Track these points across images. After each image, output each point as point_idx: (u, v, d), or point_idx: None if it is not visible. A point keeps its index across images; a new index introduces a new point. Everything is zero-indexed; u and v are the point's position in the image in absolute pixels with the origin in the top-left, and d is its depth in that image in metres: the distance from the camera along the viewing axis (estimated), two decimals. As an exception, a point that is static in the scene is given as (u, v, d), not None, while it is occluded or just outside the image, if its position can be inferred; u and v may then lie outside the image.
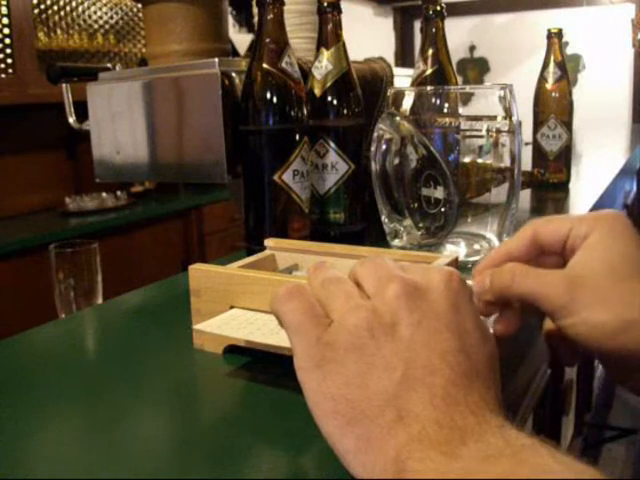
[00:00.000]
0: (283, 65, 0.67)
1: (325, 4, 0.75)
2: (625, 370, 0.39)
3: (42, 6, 2.40)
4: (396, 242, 0.72)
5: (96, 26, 2.63)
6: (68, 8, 2.51)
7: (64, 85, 0.91)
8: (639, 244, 0.38)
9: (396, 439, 0.28)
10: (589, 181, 1.33)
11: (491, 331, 0.35)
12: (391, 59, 4.31)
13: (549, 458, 0.26)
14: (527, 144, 1.25)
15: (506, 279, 0.38)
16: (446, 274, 0.33)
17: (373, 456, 0.29)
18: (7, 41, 2.26)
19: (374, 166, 0.70)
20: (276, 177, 0.67)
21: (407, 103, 0.68)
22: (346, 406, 0.30)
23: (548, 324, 0.40)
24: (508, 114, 0.66)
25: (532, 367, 0.77)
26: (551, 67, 1.18)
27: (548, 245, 0.41)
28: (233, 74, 0.73)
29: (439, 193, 0.65)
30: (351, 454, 0.29)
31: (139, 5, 0.87)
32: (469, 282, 0.37)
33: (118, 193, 2.60)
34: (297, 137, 0.68)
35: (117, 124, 0.82)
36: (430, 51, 0.87)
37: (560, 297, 0.37)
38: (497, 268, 0.38)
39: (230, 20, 3.02)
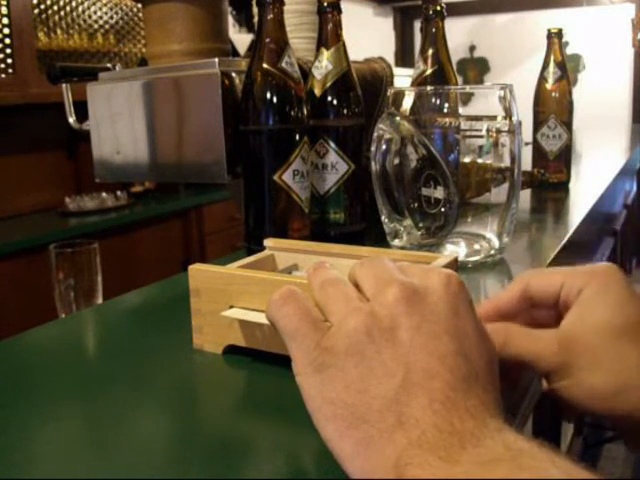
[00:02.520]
0: (283, 65, 0.67)
1: (325, 4, 0.75)
2: (623, 429, 0.39)
3: (42, 6, 2.40)
4: (396, 242, 0.72)
5: (96, 26, 2.63)
6: (68, 8, 2.51)
7: (64, 85, 0.91)
8: (633, 300, 0.37)
9: (396, 444, 0.28)
10: (589, 181, 1.33)
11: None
12: (391, 59, 4.31)
13: (548, 462, 0.26)
14: (527, 144, 1.25)
15: (498, 340, 0.37)
16: (445, 277, 0.33)
17: (373, 461, 0.28)
18: (7, 41, 2.26)
19: (374, 166, 0.70)
20: (276, 177, 0.67)
21: (407, 103, 0.68)
22: (346, 411, 0.30)
23: (545, 383, 0.39)
24: (508, 114, 0.66)
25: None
26: (551, 67, 1.18)
27: (539, 298, 0.40)
28: (233, 74, 0.73)
29: (439, 193, 0.65)
30: (350, 458, 0.29)
31: (139, 5, 0.87)
32: None
33: (118, 193, 2.60)
34: (297, 137, 0.68)
35: (117, 124, 0.82)
36: (430, 51, 0.87)
37: (553, 360, 0.37)
38: (489, 325, 0.36)
39: (230, 20, 3.02)
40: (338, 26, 0.75)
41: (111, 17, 2.69)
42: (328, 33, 0.75)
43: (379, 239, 0.75)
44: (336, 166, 0.75)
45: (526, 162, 0.99)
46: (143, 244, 2.54)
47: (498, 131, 0.66)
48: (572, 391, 0.36)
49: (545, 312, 0.41)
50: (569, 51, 4.20)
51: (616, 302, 0.37)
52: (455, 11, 3.63)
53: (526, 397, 0.50)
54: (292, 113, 0.67)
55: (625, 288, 0.38)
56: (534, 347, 0.37)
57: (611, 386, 0.35)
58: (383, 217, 0.72)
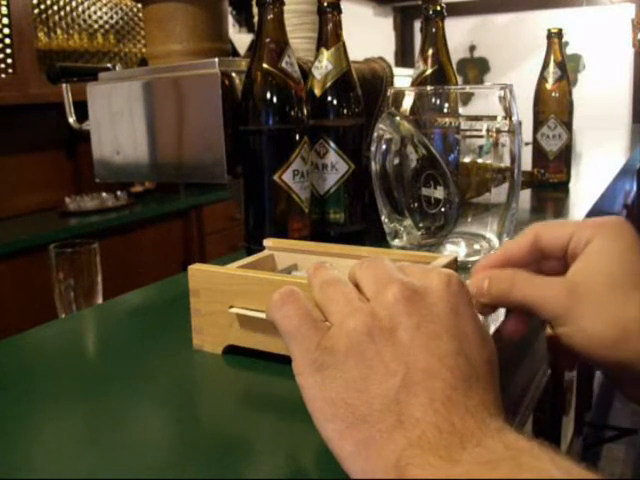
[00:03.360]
0: (283, 65, 0.67)
1: (325, 4, 0.75)
2: (622, 378, 0.39)
3: (42, 6, 2.40)
4: (396, 242, 0.72)
5: (96, 26, 2.63)
6: (68, 8, 2.51)
7: (64, 85, 0.91)
8: (639, 252, 0.38)
9: (396, 444, 0.28)
10: (589, 181, 1.33)
11: (491, 333, 0.35)
12: (391, 59, 4.31)
13: (548, 462, 0.26)
14: (527, 144, 1.25)
15: (505, 285, 0.38)
16: (445, 277, 0.33)
17: (373, 461, 0.28)
18: (7, 41, 2.26)
19: (374, 166, 0.70)
20: (276, 177, 0.67)
21: (407, 103, 0.68)
22: (346, 411, 0.30)
23: (549, 329, 0.40)
24: (508, 114, 0.66)
25: (532, 367, 0.77)
26: (551, 67, 1.18)
27: (549, 249, 0.41)
28: (233, 74, 0.73)
29: (439, 193, 0.65)
30: (351, 459, 0.29)
31: (139, 5, 0.87)
32: (467, 282, 0.37)
33: (118, 193, 2.60)
34: (297, 137, 0.68)
35: (117, 124, 0.82)
36: (430, 51, 0.87)
37: (559, 306, 0.37)
38: (496, 271, 0.37)
39: (230, 20, 3.02)
40: (338, 26, 0.75)
41: (111, 17, 2.69)
42: (328, 33, 0.75)
43: (379, 239, 0.75)
44: (336, 166, 0.75)
45: (526, 162, 0.99)
46: (143, 244, 2.54)
47: (498, 131, 0.66)
48: (574, 337, 0.37)
49: (554, 263, 0.41)
50: (569, 51, 4.20)
51: (622, 253, 0.37)
52: (455, 11, 3.63)
53: (526, 397, 0.50)
54: (292, 113, 0.67)
55: (632, 240, 0.38)
56: (539, 293, 0.38)
57: (614, 334, 0.36)
58: (383, 217, 0.72)
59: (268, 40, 0.67)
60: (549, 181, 1.19)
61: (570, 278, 0.38)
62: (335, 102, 0.75)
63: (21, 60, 2.29)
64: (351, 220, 0.78)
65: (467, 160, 0.66)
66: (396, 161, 0.68)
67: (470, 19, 4.54)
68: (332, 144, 0.75)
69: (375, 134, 0.70)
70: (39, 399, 0.44)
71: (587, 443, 1.54)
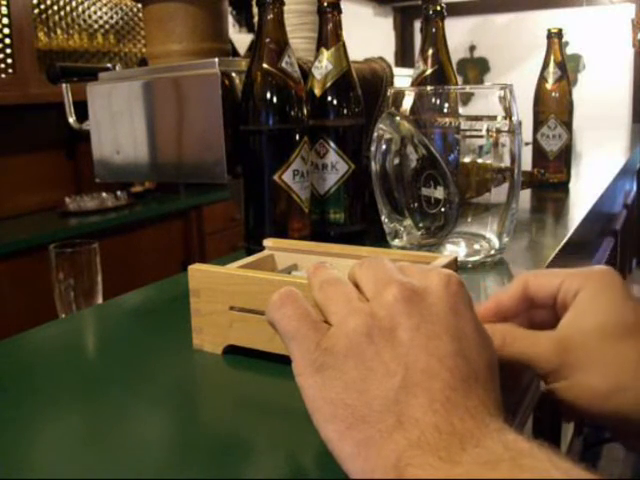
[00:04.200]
0: (283, 65, 0.67)
1: (325, 4, 0.75)
2: (621, 430, 0.39)
3: (42, 6, 2.40)
4: (396, 242, 0.72)
5: (96, 26, 2.63)
6: (68, 8, 2.51)
7: (64, 85, 0.91)
8: (630, 302, 0.38)
9: (396, 445, 0.28)
10: (589, 181, 1.33)
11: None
12: (391, 59, 4.31)
13: (548, 463, 0.26)
14: (527, 144, 1.25)
15: (497, 341, 0.37)
16: (445, 277, 0.33)
17: (373, 462, 0.28)
18: (7, 41, 2.26)
19: (374, 166, 0.70)
20: (276, 177, 0.67)
21: (407, 103, 0.68)
22: (345, 411, 0.30)
23: (543, 384, 0.40)
24: (508, 114, 0.66)
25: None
26: (551, 67, 1.18)
27: (539, 299, 0.41)
28: (233, 74, 0.73)
29: (439, 193, 0.65)
30: (350, 459, 0.29)
31: (139, 5, 0.87)
32: None
33: (118, 193, 2.60)
34: (297, 137, 0.68)
35: (117, 124, 0.82)
36: (430, 51, 0.87)
37: (551, 361, 0.37)
38: (487, 326, 0.37)
39: (230, 20, 3.02)
40: (338, 26, 0.75)
41: (111, 17, 2.69)
42: (328, 33, 0.75)
43: (379, 239, 0.75)
44: (336, 166, 0.75)
45: (526, 162, 0.99)
46: (143, 244, 2.54)
47: (498, 131, 0.66)
48: (570, 392, 0.37)
49: (544, 313, 0.41)
50: (569, 51, 4.20)
51: (611, 304, 0.38)
52: (455, 11, 3.63)
53: (526, 397, 0.50)
54: (292, 113, 0.67)
55: (621, 290, 0.38)
56: (533, 348, 0.38)
57: (608, 386, 0.36)
58: (383, 217, 0.72)
59: (268, 40, 0.67)
60: (549, 181, 1.19)
61: (560, 332, 0.38)
62: (335, 102, 0.75)
63: (21, 60, 2.29)
64: (351, 220, 0.78)
65: (467, 160, 0.66)
66: (396, 161, 0.68)
67: (470, 19, 4.54)
68: (332, 144, 0.75)
69: (375, 134, 0.70)
70: (39, 399, 0.44)
71: (587, 443, 1.54)
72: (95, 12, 2.62)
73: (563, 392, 0.37)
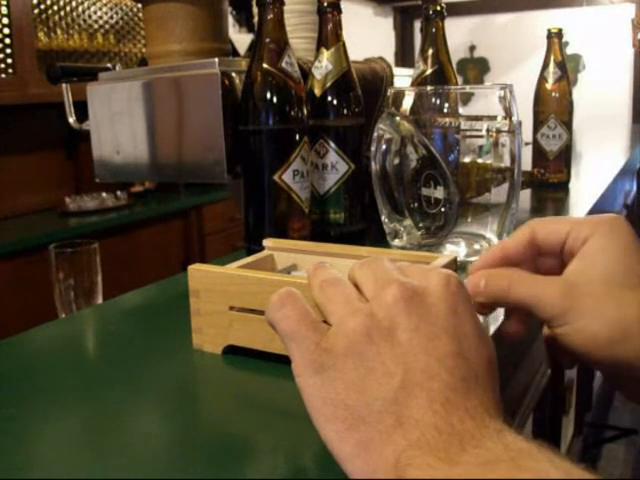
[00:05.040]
0: (283, 65, 0.67)
1: (325, 4, 0.75)
2: (621, 378, 0.39)
3: (42, 6, 2.40)
4: (396, 242, 0.72)
5: (96, 26, 2.63)
6: (68, 8, 2.51)
7: (64, 85, 0.91)
8: (637, 250, 0.38)
9: (395, 445, 0.28)
10: (589, 181, 1.33)
11: (491, 333, 0.35)
12: (391, 59, 4.31)
13: (547, 463, 0.26)
14: (527, 144, 1.25)
15: (502, 285, 0.38)
16: (444, 277, 0.33)
17: (372, 462, 0.28)
18: (7, 41, 2.26)
19: (374, 166, 0.70)
20: (276, 177, 0.67)
21: (407, 103, 0.68)
22: (345, 411, 0.30)
23: (546, 329, 0.40)
24: (508, 114, 0.66)
25: (532, 367, 0.77)
26: (551, 67, 1.18)
27: (546, 247, 0.40)
28: (233, 74, 0.73)
29: (439, 193, 0.65)
30: (350, 459, 0.29)
31: (139, 5, 0.87)
32: (465, 280, 0.37)
33: (118, 193, 2.60)
34: (297, 137, 0.68)
35: (117, 124, 0.82)
36: (430, 51, 0.87)
37: (556, 306, 0.37)
38: (493, 270, 0.37)
39: (230, 20, 3.02)
40: (338, 26, 0.75)
41: (111, 17, 2.69)
42: (328, 33, 0.75)
43: (379, 239, 0.75)
44: (336, 166, 0.75)
45: (526, 162, 0.99)
46: (143, 244, 2.54)
47: (498, 131, 0.66)
48: (573, 337, 0.37)
49: (551, 260, 0.41)
50: (569, 51, 4.20)
51: (619, 252, 0.37)
52: (455, 11, 3.63)
53: (526, 397, 0.50)
54: (292, 113, 0.67)
55: (629, 239, 0.38)
56: (538, 292, 0.38)
57: (611, 333, 0.36)
58: (383, 217, 0.72)
59: (268, 40, 0.67)
60: (549, 181, 1.19)
61: (567, 278, 0.38)
62: (335, 102, 0.75)
63: (21, 60, 2.29)
64: (351, 220, 0.78)
65: (467, 160, 0.66)
66: (396, 161, 0.68)
67: (470, 19, 4.54)
68: (332, 144, 0.75)
69: (375, 134, 0.70)
70: (39, 399, 0.44)
71: (587, 443, 1.54)
72: (95, 12, 2.62)
73: (566, 337, 0.37)
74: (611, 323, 0.36)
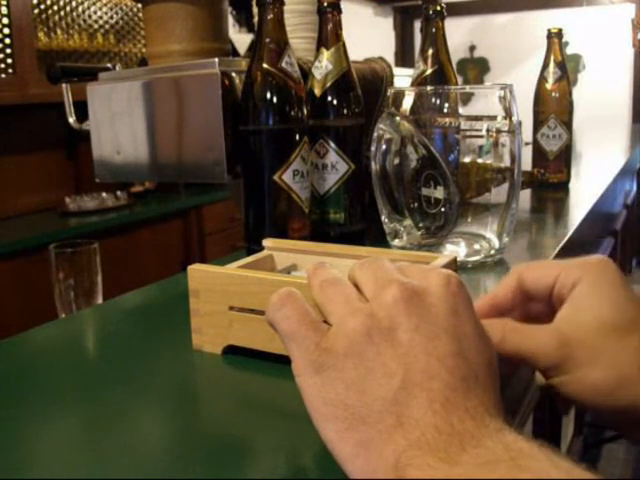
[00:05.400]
0: (283, 65, 0.67)
1: (325, 4, 0.75)
2: (623, 423, 0.39)
3: (42, 6, 2.40)
4: (396, 242, 0.72)
5: (96, 26, 2.63)
6: (68, 8, 2.51)
7: (64, 85, 0.91)
8: (628, 294, 0.37)
9: (395, 445, 0.28)
10: (589, 181, 1.33)
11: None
12: (391, 59, 4.31)
13: (547, 463, 0.26)
14: (527, 144, 1.25)
15: (495, 337, 0.37)
16: (445, 277, 0.33)
17: (372, 462, 0.28)
18: (7, 41, 2.26)
19: (374, 166, 0.70)
20: (276, 177, 0.67)
21: (407, 103, 0.68)
22: (345, 412, 0.30)
23: (541, 378, 0.39)
24: (508, 114, 0.66)
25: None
26: (551, 67, 1.18)
27: (534, 292, 0.40)
28: (233, 74, 0.73)
29: (439, 193, 0.65)
30: (350, 459, 0.29)
31: (139, 5, 0.87)
32: None
33: (118, 193, 2.60)
34: (297, 137, 0.68)
35: (117, 124, 0.82)
36: (430, 51, 0.87)
37: (551, 356, 0.37)
38: (485, 321, 0.37)
39: (230, 20, 3.02)
40: (338, 26, 0.75)
41: (111, 17, 2.69)
42: (328, 33, 0.75)
43: (379, 239, 0.75)
44: (336, 166, 0.75)
45: (526, 162, 0.99)
46: (143, 244, 2.54)
47: (498, 131, 0.66)
48: (571, 387, 0.37)
49: (540, 305, 0.41)
50: (569, 51, 4.20)
51: (609, 297, 0.37)
52: (455, 11, 3.63)
53: (526, 397, 0.50)
54: (292, 113, 0.67)
55: (618, 281, 0.38)
56: (532, 343, 0.37)
57: (610, 381, 0.36)
58: (383, 217, 0.72)
59: (268, 40, 0.67)
60: (549, 181, 1.19)
61: (560, 326, 0.38)
62: (335, 102, 0.75)
63: (21, 60, 2.29)
64: (351, 220, 0.78)
65: (467, 160, 0.66)
66: (396, 161, 0.68)
67: (470, 19, 4.54)
68: (332, 144, 0.75)
69: (375, 134, 0.70)
70: (39, 399, 0.44)
71: (587, 443, 1.54)
72: (95, 12, 2.62)
73: (564, 387, 0.37)
74: (609, 370, 0.35)
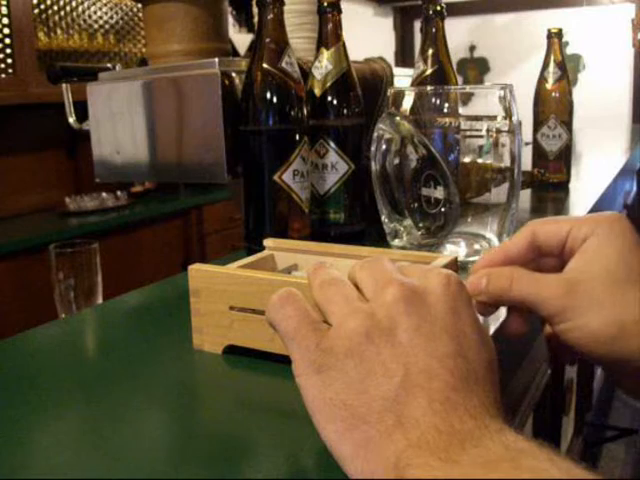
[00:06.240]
0: (283, 65, 0.67)
1: (325, 4, 0.75)
2: (621, 373, 0.39)
3: (42, 6, 2.40)
4: (396, 242, 0.72)
5: (96, 26, 2.63)
6: (68, 8, 2.51)
7: (64, 85, 0.91)
8: (636, 248, 0.38)
9: (395, 445, 0.28)
10: (589, 181, 1.33)
11: (491, 333, 0.35)
12: (391, 59, 4.31)
13: (547, 462, 0.26)
14: (527, 144, 1.25)
15: (504, 283, 0.38)
16: (445, 277, 0.33)
17: (372, 462, 0.28)
18: (7, 41, 2.26)
19: (374, 166, 0.70)
20: (276, 177, 0.67)
21: (407, 103, 0.68)
22: (345, 412, 0.30)
23: (547, 326, 0.40)
24: (508, 114, 0.66)
25: (532, 367, 0.77)
26: (551, 67, 1.18)
27: (547, 246, 0.41)
28: (233, 74, 0.73)
29: (439, 193, 0.65)
30: (350, 459, 0.29)
31: (139, 5, 0.87)
32: (466, 281, 0.37)
33: (118, 193, 2.60)
34: (297, 137, 0.68)
35: (117, 124, 0.82)
36: (430, 51, 0.87)
37: (557, 303, 0.37)
38: (494, 269, 0.37)
39: (230, 20, 3.02)
40: (338, 26, 0.75)
41: (111, 17, 2.69)
42: (328, 33, 0.75)
43: (379, 239, 0.75)
44: (336, 166, 0.75)
45: (526, 162, 0.99)
46: (143, 244, 2.54)
47: (498, 131, 0.66)
48: (573, 334, 0.37)
49: (552, 260, 0.41)
50: (569, 51, 4.20)
51: (618, 250, 0.37)
52: (455, 11, 3.63)
53: (526, 397, 0.50)
54: (292, 113, 0.67)
55: (629, 237, 0.38)
56: (538, 290, 0.38)
57: (611, 331, 0.36)
58: (383, 217, 0.72)
59: (268, 40, 0.67)
60: (549, 181, 1.19)
61: (568, 275, 0.38)
62: (335, 102, 0.75)
63: (21, 60, 2.29)
64: (351, 220, 0.78)
65: (467, 160, 0.66)
66: (396, 161, 0.68)
67: (470, 19, 4.54)
68: (332, 144, 0.75)
69: (375, 134, 0.70)
70: (39, 399, 0.44)
71: (587, 443, 1.54)
72: (95, 12, 2.62)
73: (567, 334, 0.37)
74: (612, 320, 0.36)
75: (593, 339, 0.36)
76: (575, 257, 0.39)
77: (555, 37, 1.17)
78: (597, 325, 0.36)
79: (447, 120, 0.65)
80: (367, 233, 0.80)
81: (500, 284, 0.39)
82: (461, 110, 0.66)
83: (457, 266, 0.50)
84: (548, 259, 0.41)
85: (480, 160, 0.66)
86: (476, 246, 0.69)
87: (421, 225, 0.68)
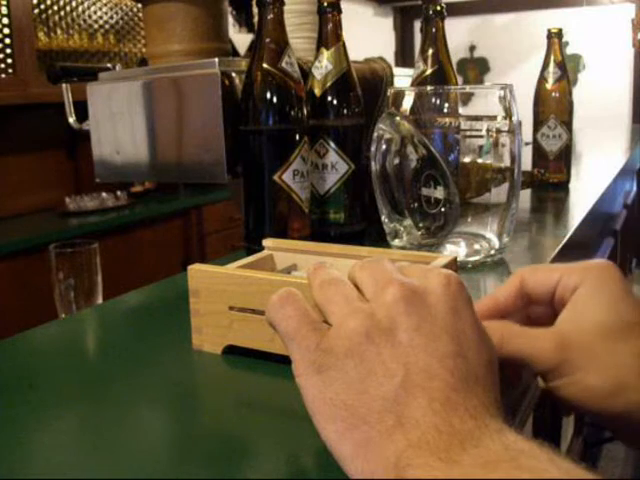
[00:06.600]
0: (283, 65, 0.67)
1: (325, 4, 0.75)
2: (619, 427, 0.39)
3: (42, 6, 2.40)
4: (396, 242, 0.72)
5: (96, 26, 2.63)
6: (68, 8, 2.51)
7: (64, 85, 0.91)
8: (629, 299, 0.37)
9: (396, 445, 0.28)
10: (589, 181, 1.33)
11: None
12: (391, 59, 4.31)
13: (548, 462, 0.26)
14: (527, 144, 1.25)
15: (494, 339, 0.37)
16: (445, 277, 0.33)
17: (372, 462, 0.28)
18: (7, 41, 2.26)
19: (374, 166, 0.70)
20: (276, 177, 0.67)
21: (407, 103, 0.68)
22: (346, 412, 0.30)
23: (541, 381, 0.39)
24: (508, 114, 0.66)
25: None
26: (551, 67, 1.18)
27: (536, 295, 0.40)
28: (233, 74, 0.73)
29: (439, 193, 0.65)
30: (350, 460, 0.29)
31: (139, 5, 0.87)
32: None
33: (118, 193, 2.60)
34: (297, 137, 0.68)
35: (117, 124, 0.82)
36: (430, 51, 0.87)
37: (550, 359, 0.37)
38: (485, 324, 0.37)
39: (230, 20, 3.02)
40: (338, 26, 0.75)
41: (111, 17, 2.69)
42: (328, 33, 0.75)
43: (379, 239, 0.75)
44: (336, 166, 0.75)
45: (526, 162, 0.99)
46: (143, 244, 2.54)
47: (498, 131, 0.66)
48: (569, 390, 0.37)
49: (542, 309, 0.41)
50: (569, 51, 4.20)
51: (610, 301, 0.37)
52: (455, 11, 3.63)
53: (526, 397, 0.50)
54: (292, 113, 0.67)
55: (619, 286, 0.38)
56: (531, 346, 0.37)
57: (607, 385, 0.35)
58: (383, 217, 0.72)
59: (268, 40, 0.67)
60: (549, 181, 1.19)
61: (559, 329, 0.38)
62: (335, 102, 0.75)
63: (21, 60, 2.29)
64: (351, 220, 0.78)
65: (467, 160, 0.66)
66: (396, 161, 0.68)
67: (470, 19, 4.54)
68: (332, 144, 0.75)
69: (375, 134, 0.70)
70: (39, 399, 0.44)
71: (587, 443, 1.54)
72: (95, 12, 2.62)
73: (563, 390, 0.37)
74: (608, 375, 0.35)
75: (588, 394, 0.36)
76: (566, 308, 0.38)
77: (555, 37, 1.17)
78: (592, 380, 0.36)
79: (447, 120, 0.65)
80: (367, 233, 0.80)
81: (492, 340, 0.38)
82: (461, 110, 0.66)
83: (457, 266, 0.50)
84: (538, 307, 0.41)
85: (480, 160, 0.66)
86: (476, 246, 0.69)
87: (421, 225, 0.68)
